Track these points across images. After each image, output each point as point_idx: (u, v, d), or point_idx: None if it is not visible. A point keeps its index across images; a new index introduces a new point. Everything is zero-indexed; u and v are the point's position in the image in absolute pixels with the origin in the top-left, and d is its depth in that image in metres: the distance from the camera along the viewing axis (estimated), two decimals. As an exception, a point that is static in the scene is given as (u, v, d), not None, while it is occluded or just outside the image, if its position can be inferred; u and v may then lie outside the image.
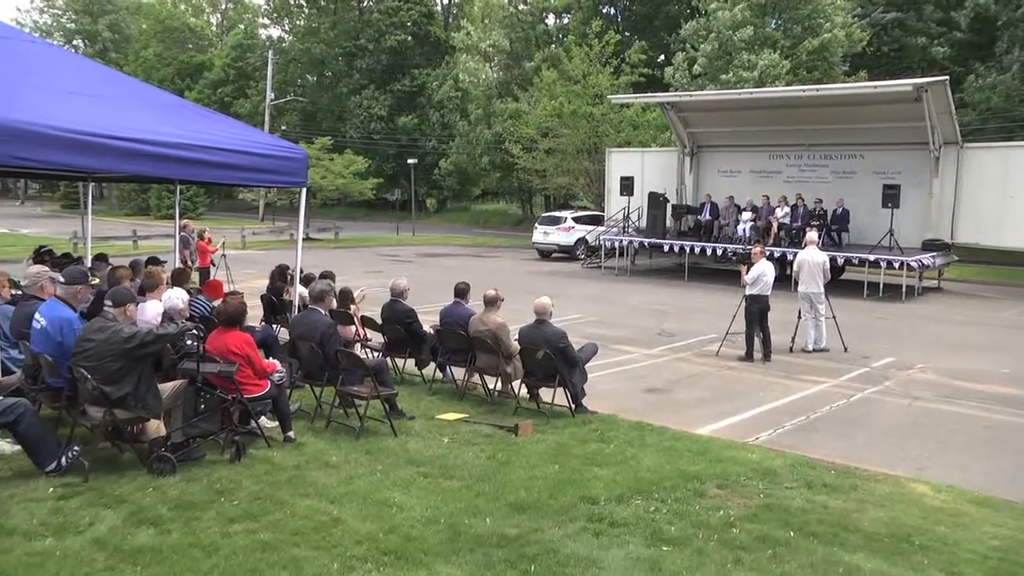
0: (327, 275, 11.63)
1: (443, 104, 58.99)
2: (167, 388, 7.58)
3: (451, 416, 9.47)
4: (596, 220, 33.19)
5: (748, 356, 13.65)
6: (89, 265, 12.39)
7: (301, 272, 11.43)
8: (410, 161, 47.45)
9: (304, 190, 10.43)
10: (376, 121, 60.49)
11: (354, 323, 11.38)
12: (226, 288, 11.38)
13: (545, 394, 10.03)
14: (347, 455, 7.93)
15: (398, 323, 10.95)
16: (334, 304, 10.87)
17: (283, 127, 63.23)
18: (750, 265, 13.82)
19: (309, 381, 9.38)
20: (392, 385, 9.35)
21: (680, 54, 37.73)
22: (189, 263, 17.81)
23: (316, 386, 9.31)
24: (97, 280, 9.50)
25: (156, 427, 7.44)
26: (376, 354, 11.33)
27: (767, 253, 15.73)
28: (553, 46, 48.81)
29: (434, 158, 58.90)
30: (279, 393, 8.23)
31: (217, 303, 9.25)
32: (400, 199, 51.67)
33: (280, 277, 13.13)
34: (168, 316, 8.42)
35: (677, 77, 36.45)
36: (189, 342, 7.73)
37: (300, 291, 10.90)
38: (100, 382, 7.04)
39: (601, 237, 29.09)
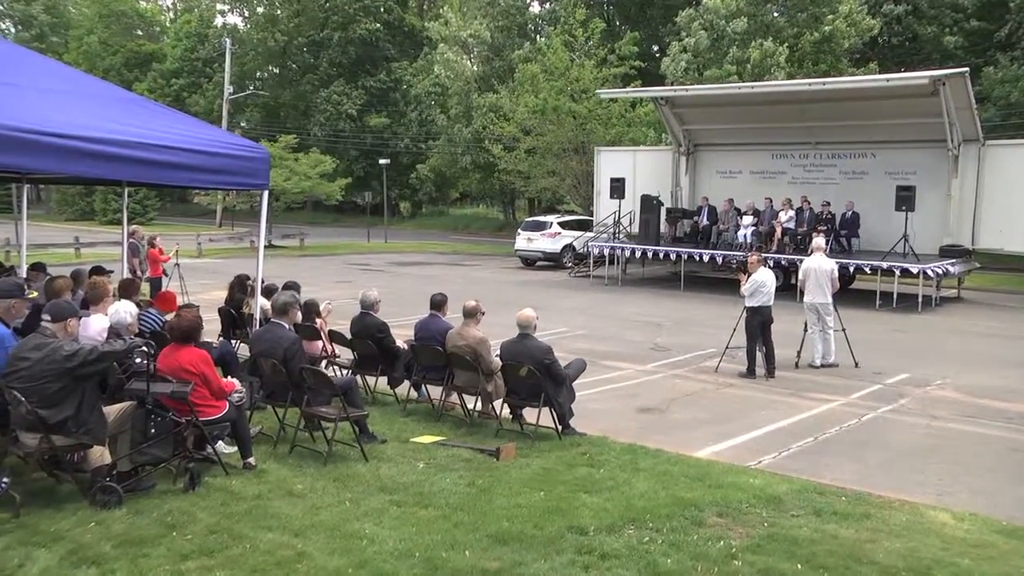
0: (291, 286, 11.57)
1: (421, 100, 59.06)
2: (113, 411, 7.49)
3: (427, 439, 9.43)
4: (584, 225, 33.24)
5: (750, 372, 13.68)
6: (24, 276, 12.26)
7: (263, 283, 11.37)
8: (382, 161, 47.41)
9: (266, 193, 10.37)
10: (345, 119, 60.47)
11: (321, 338, 11.32)
12: (180, 301, 11.31)
13: (529, 414, 10.00)
14: (313, 483, 7.87)
15: (369, 338, 10.91)
16: (299, 318, 10.79)
17: (243, 124, 63.08)
18: (748, 274, 13.88)
19: (271, 402, 9.32)
20: (362, 406, 9.31)
21: (676, 44, 37.90)
22: (138, 273, 17.69)
23: (279, 407, 9.24)
24: (35, 293, 9.39)
25: (100, 454, 7.33)
26: (345, 372, 11.31)
27: (769, 261, 15.81)
28: (538, 37, 48.98)
29: (409, 158, 58.90)
30: (238, 415, 8.16)
31: (170, 317, 9.18)
32: (371, 203, 51.61)
33: (240, 288, 13.07)
34: (115, 332, 8.34)
35: (673, 69, 36.59)
36: (138, 360, 7.64)
37: (262, 304, 10.85)
38: (36, 405, 6.93)
39: (589, 244, 29.13)
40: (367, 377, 11.32)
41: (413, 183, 59.75)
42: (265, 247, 10.99)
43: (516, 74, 41.54)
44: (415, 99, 60.20)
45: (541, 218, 35.26)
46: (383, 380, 11.28)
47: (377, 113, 60.72)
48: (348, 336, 11.34)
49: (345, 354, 11.75)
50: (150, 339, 8.58)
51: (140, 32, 79.42)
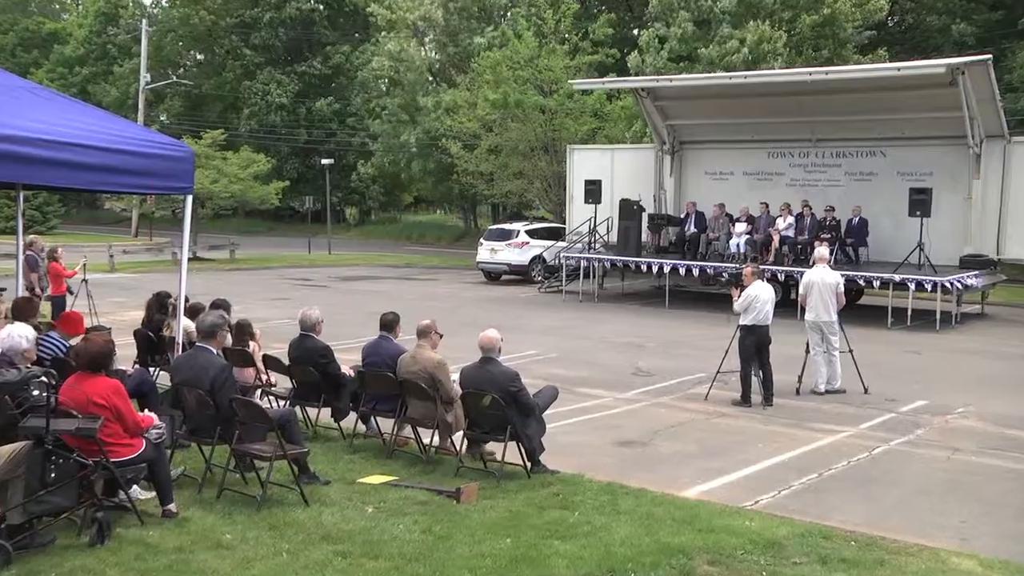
0: (220, 305, 11.51)
1: (368, 88, 59.06)
2: (3, 453, 7.33)
3: (377, 479, 9.37)
4: (555, 234, 33.30)
5: (744, 400, 13.72)
6: None
7: (187, 301, 11.26)
8: (325, 162, 47.34)
9: (189, 197, 10.28)
10: (277, 111, 60.21)
11: (254, 365, 11.25)
12: (88, 322, 11.15)
13: (494, 450, 9.98)
14: (245, 532, 7.77)
15: (310, 364, 10.85)
16: (229, 341, 10.71)
17: (162, 118, 62.74)
18: (741, 288, 13.95)
19: (196, 439, 9.21)
20: (302, 442, 9.22)
21: (647, 31, 38.02)
22: (38, 290, 17.45)
23: (205, 445, 9.14)
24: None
25: (-13, 505, 7.19)
26: (282, 403, 11.22)
27: (766, 274, 15.91)
28: (501, 20, 49.15)
29: (356, 157, 58.78)
30: (157, 455, 8.05)
31: (76, 341, 9.04)
32: (313, 209, 51.43)
33: (159, 308, 12.94)
34: (7, 359, 8.20)
35: (648, 61, 36.71)
36: (36, 392, 7.52)
37: (185, 325, 10.75)
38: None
39: (561, 254, 29.19)
40: (308, 409, 11.24)
41: (356, 186, 59.55)
42: (189, 260, 10.90)
43: (475, 64, 41.64)
44: (360, 87, 60.14)
45: (506, 226, 35.32)
46: (326, 412, 11.20)
47: (315, 101, 60.37)
48: (286, 362, 11.25)
49: (282, 382, 11.67)
50: (51, 368, 8.46)
51: (34, 7, 78.25)
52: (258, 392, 11.12)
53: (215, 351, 9.12)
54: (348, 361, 11.61)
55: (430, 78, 53.19)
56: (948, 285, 22.00)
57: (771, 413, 13.34)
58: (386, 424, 10.80)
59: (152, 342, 12.73)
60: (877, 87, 24.68)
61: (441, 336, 10.44)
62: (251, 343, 11.38)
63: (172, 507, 8.12)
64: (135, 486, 8.19)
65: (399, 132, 51.48)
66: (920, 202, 22.84)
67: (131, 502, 7.93)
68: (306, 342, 10.95)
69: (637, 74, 36.10)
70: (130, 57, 64.89)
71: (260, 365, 11.35)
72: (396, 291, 29.44)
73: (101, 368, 7.86)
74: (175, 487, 8.40)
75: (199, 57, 70.10)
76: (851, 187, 26.62)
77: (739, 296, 13.90)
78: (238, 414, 8.72)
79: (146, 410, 8.73)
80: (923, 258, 22.86)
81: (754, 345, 13.71)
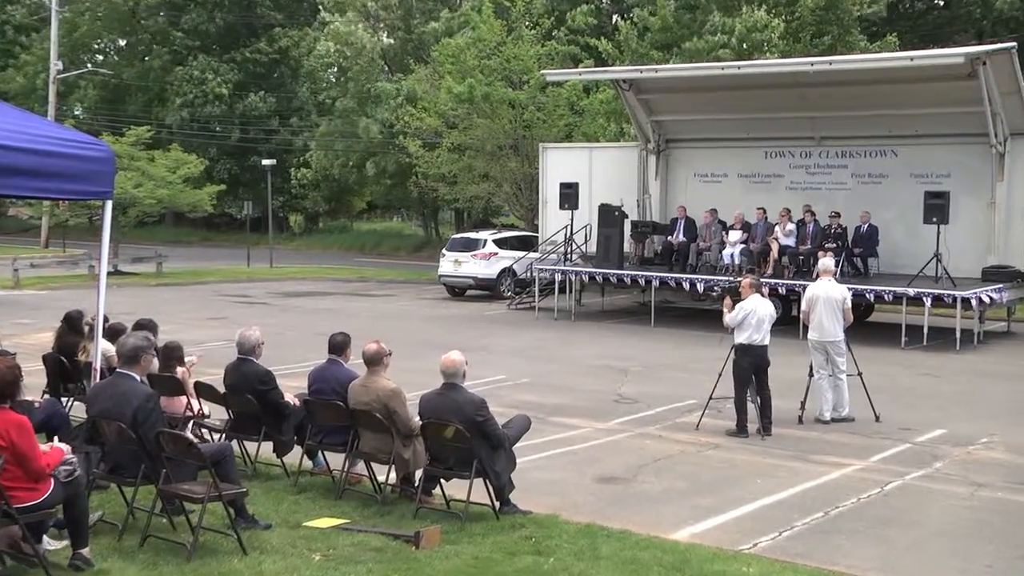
0: (145, 325, 11.41)
1: (314, 79, 58.93)
2: None
3: (325, 523, 9.33)
4: (527, 243, 33.27)
5: (740, 429, 13.74)
6: None
7: (106, 321, 11.17)
8: (265, 162, 47.10)
9: (109, 203, 10.20)
10: (213, 103, 59.92)
11: (184, 393, 11.17)
12: (-10, 345, 11.03)
13: (458, 488, 9.94)
14: (172, 585, 7.70)
15: (249, 391, 10.77)
16: (155, 366, 10.62)
17: (76, 112, 62.17)
18: (736, 301, 13.99)
19: (116, 478, 9.11)
20: (239, 480, 9.15)
21: (625, 24, 37.99)
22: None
23: (127, 486, 9.04)
24: None
25: None
26: (217, 437, 11.15)
27: (764, 288, 15.96)
28: (462, 2, 49.21)
29: (299, 157, 58.57)
30: (71, 492, 7.95)
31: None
32: (252, 215, 51.19)
33: (73, 329, 12.82)
34: None
35: (628, 49, 36.70)
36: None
37: (104, 349, 10.67)
38: None
39: (534, 267, 29.19)
40: (246, 443, 11.18)
41: (297, 190, 59.19)
42: (109, 274, 10.83)
43: (434, 52, 41.63)
44: (307, 77, 59.96)
45: (472, 235, 35.27)
46: (267, 446, 11.13)
47: (255, 92, 60.13)
48: (221, 389, 11.18)
49: (217, 413, 11.59)
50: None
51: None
52: (189, 424, 11.04)
53: (139, 378, 9.04)
54: (292, 388, 11.54)
55: (384, 67, 53.16)
56: (969, 300, 22.07)
57: (770, 444, 13.36)
58: (336, 460, 10.72)
59: (64, 368, 12.61)
60: (888, 79, 24.77)
61: (390, 354, 10.39)
62: (180, 368, 11.29)
63: (86, 551, 8.00)
64: (44, 536, 8.09)
65: (354, 126, 51.33)
66: (937, 207, 22.91)
67: (38, 556, 7.78)
68: (244, 367, 10.87)
69: (613, 64, 36.10)
70: (28, 36, 63.66)
71: (191, 394, 11.27)
72: (347, 309, 29.31)
73: (5, 399, 7.76)
74: (92, 534, 8.30)
75: (121, 42, 69.53)
76: (859, 190, 26.72)
77: (730, 308, 13.93)
78: (165, 449, 8.63)
79: (55, 439, 8.60)
80: (940, 270, 22.90)
81: (751, 368, 13.73)
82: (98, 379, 10.14)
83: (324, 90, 58.60)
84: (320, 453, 11.00)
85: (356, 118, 51.72)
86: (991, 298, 22.78)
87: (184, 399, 11.16)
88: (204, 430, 11.45)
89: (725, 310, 14.17)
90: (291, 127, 60.53)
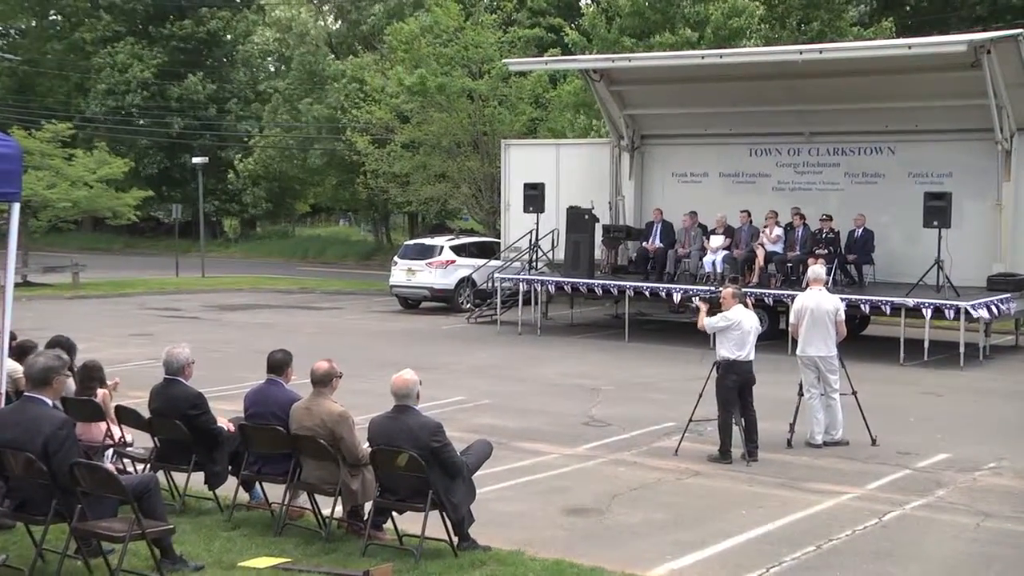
0: (59, 343, 11.25)
1: (250, 66, 58.68)
2: None
3: (263, 563, 9.25)
4: (487, 250, 33.32)
5: (724, 455, 13.74)
6: None
7: (12, 339, 11.04)
8: (196, 160, 46.81)
9: (16, 206, 10.08)
10: (137, 90, 59.43)
11: (104, 418, 11.03)
12: None
13: (411, 521, 9.87)
14: (90, 634, 7.61)
15: (177, 416, 10.67)
16: (71, 389, 10.49)
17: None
18: (717, 312, 13.99)
19: (23, 516, 8.97)
20: (165, 516, 9.04)
21: (591, 10, 38.00)
22: None
23: (36, 524, 8.91)
24: None
25: None
26: (141, 467, 11.01)
27: (749, 298, 15.96)
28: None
29: (238, 152, 58.23)
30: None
31: None
32: (181, 220, 50.93)
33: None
34: None
35: (596, 35, 36.61)
36: None
37: (10, 369, 10.53)
38: None
39: (495, 276, 29.16)
40: (174, 474, 11.05)
41: (234, 189, 58.84)
42: (16, 285, 10.71)
43: (387, 36, 41.56)
44: (243, 64, 59.67)
45: (427, 240, 35.24)
46: (198, 477, 11.01)
47: (193, 75, 59.66)
48: (146, 414, 11.06)
49: (141, 440, 11.47)
50: None
51: None
52: (108, 453, 10.92)
53: (51, 402, 8.93)
54: (227, 412, 11.45)
55: (331, 55, 53.06)
56: (973, 311, 22.15)
57: (756, 471, 13.36)
58: (275, 491, 10.64)
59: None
60: (883, 69, 24.93)
61: (341, 375, 10.32)
62: (100, 391, 11.16)
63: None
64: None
65: (298, 114, 51.13)
66: (937, 210, 22.99)
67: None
68: (172, 389, 10.76)
69: (581, 53, 36.02)
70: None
71: (112, 419, 11.15)
72: (289, 323, 29.22)
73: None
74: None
75: (30, 24, 68.92)
76: (852, 191, 26.87)
77: (707, 310, 13.93)
78: (81, 483, 8.52)
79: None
80: (942, 278, 23.00)
81: (736, 386, 13.73)
82: (2, 404, 10.00)
83: (264, 80, 58.34)
84: (257, 484, 10.91)
85: (298, 104, 51.51)
86: (998, 309, 22.91)
87: (103, 425, 11.04)
88: (126, 460, 11.31)
89: (702, 311, 14.17)
90: (228, 115, 59.95)
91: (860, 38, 34.74)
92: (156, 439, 11.08)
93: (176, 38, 60.60)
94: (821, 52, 25.13)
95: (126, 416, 11.34)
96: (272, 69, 59.38)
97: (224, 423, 10.86)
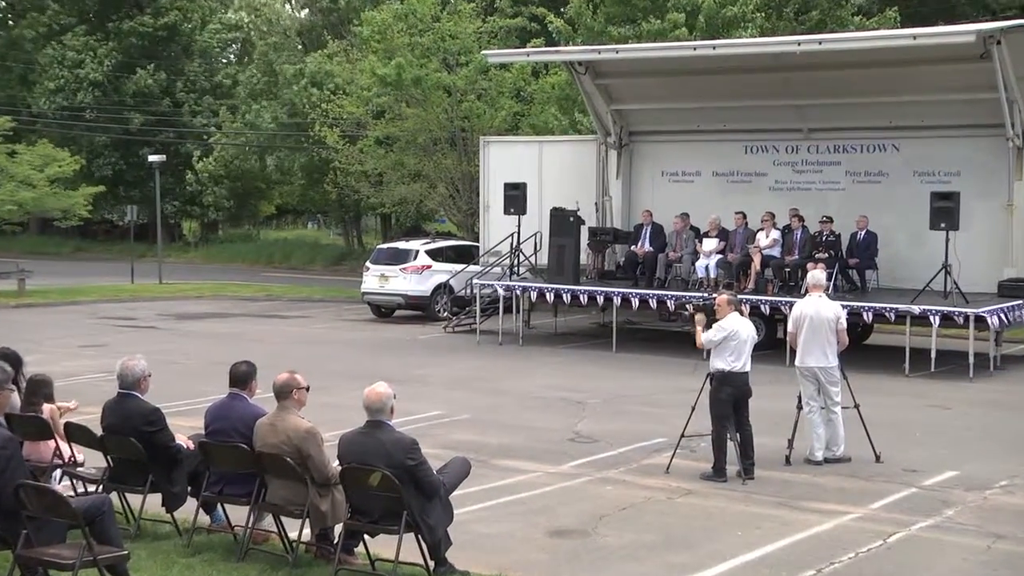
0: (4, 355, 11.20)
1: (209, 59, 58.54)
2: None
3: (224, 591, 9.20)
4: (465, 254, 33.30)
5: (718, 472, 13.73)
6: None
7: (-49, 351, 11.01)
8: (153, 158, 46.67)
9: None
10: (88, 89, 59.26)
11: (53, 436, 10.99)
12: None
13: (385, 545, 9.84)
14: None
15: (132, 433, 10.61)
16: (16, 404, 10.43)
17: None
18: (712, 321, 14.00)
19: (-32, 540, 8.94)
20: (120, 541, 9.00)
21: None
22: None
23: (-20, 549, 8.89)
24: None
25: None
26: (93, 488, 10.97)
27: (745, 305, 15.99)
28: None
29: (197, 149, 58.10)
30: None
31: None
32: (137, 222, 50.76)
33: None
34: None
35: (579, 31, 36.58)
36: None
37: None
38: None
39: (474, 282, 29.14)
40: (128, 495, 11.01)
41: (193, 190, 58.67)
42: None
43: (356, 26, 41.52)
44: (201, 56, 59.51)
45: (401, 244, 35.21)
46: (155, 499, 10.95)
47: (143, 68, 59.49)
48: (98, 431, 10.99)
49: (93, 460, 11.42)
50: None
51: None
52: (57, 474, 10.87)
53: (-4, 418, 8.90)
54: (186, 429, 11.41)
55: (299, 45, 53.08)
56: (984, 319, 22.18)
57: (753, 489, 13.37)
58: (238, 513, 10.60)
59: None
60: (887, 61, 25.01)
61: (307, 388, 10.29)
62: (48, 407, 11.10)
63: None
64: None
65: (259, 112, 51.09)
66: (945, 211, 23.03)
67: None
68: (127, 404, 10.71)
69: (565, 44, 36.00)
70: None
71: (61, 436, 11.10)
72: (253, 333, 29.16)
73: None
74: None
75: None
76: (854, 191, 26.90)
77: (704, 329, 13.92)
78: (27, 506, 8.49)
79: None
80: (950, 284, 22.99)
81: (731, 399, 13.75)
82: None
83: (222, 68, 58.24)
84: (219, 506, 10.87)
85: (251, 106, 51.48)
86: (1009, 316, 22.94)
87: (52, 444, 10.99)
88: (77, 481, 11.27)
89: (698, 328, 14.18)
90: (183, 108, 59.79)
91: (862, 28, 34.80)
92: (109, 458, 11.01)
93: (135, 33, 60.36)
94: (820, 43, 25.13)
95: (76, 434, 11.27)
96: (232, 58, 59.24)
97: (183, 440, 10.81)
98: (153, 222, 50.19)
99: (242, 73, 55.60)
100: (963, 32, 23.37)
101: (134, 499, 11.05)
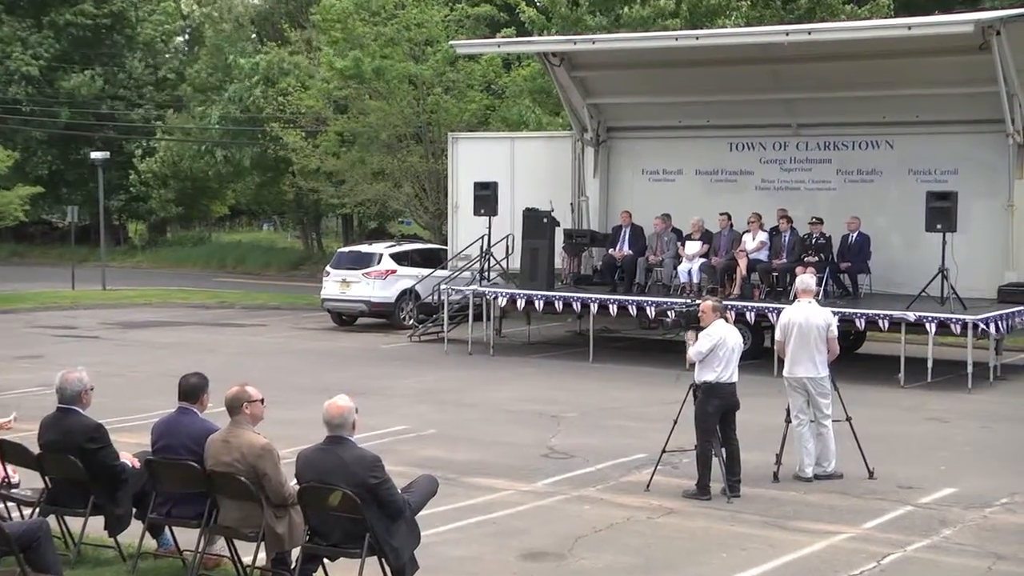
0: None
1: (152, 51, 58.37)
2: None
3: (172, 620, 9.17)
4: (432, 258, 33.31)
5: (702, 490, 13.75)
6: None
7: None
8: (96, 155, 46.47)
9: None
10: (21, 83, 58.98)
11: (-13, 454, 10.93)
12: None
13: (346, 569, 9.80)
14: None
15: (72, 451, 10.54)
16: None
17: None
18: (699, 330, 14.02)
19: None
20: (58, 568, 8.96)
21: None
22: None
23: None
24: None
25: None
26: (29, 512, 10.91)
27: (730, 312, 16.01)
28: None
29: (139, 148, 57.94)
30: None
31: None
32: (79, 223, 50.57)
33: None
34: None
35: (553, 20, 36.57)
36: None
37: None
38: None
39: (442, 287, 29.11)
40: (68, 518, 10.95)
41: (138, 191, 58.46)
42: None
43: (314, 15, 41.46)
44: (145, 49, 59.34)
45: (364, 247, 35.21)
46: (97, 521, 10.87)
47: (81, 72, 59.35)
48: (35, 449, 10.89)
49: (29, 481, 11.36)
50: None
51: None
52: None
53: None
54: (131, 446, 11.35)
55: (252, 34, 52.98)
56: (983, 326, 22.27)
57: (739, 508, 13.39)
58: (188, 536, 10.53)
59: None
60: (880, 52, 25.03)
61: (262, 401, 10.23)
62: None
63: None
64: None
65: (207, 111, 50.99)
66: (942, 211, 23.05)
67: None
68: (67, 420, 10.64)
69: (539, 34, 35.98)
70: None
71: (-4, 454, 11.03)
72: (205, 342, 29.09)
73: None
74: None
75: None
76: (846, 191, 26.99)
77: (694, 340, 13.94)
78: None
79: None
80: (947, 289, 23.01)
81: (717, 412, 13.77)
82: None
83: (167, 62, 58.08)
84: (167, 529, 10.80)
85: (200, 101, 51.39)
86: (1010, 323, 23.06)
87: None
88: (11, 503, 11.19)
89: (689, 342, 14.19)
90: (127, 109, 59.62)
91: (854, 17, 34.90)
92: (47, 478, 10.91)
93: (74, 25, 60.07)
94: (810, 33, 25.10)
95: (11, 452, 11.18)
96: (176, 51, 59.05)
97: (128, 458, 10.73)
98: (96, 224, 49.97)
99: (189, 66, 55.41)
100: (961, 22, 23.44)
101: (74, 522, 10.94)
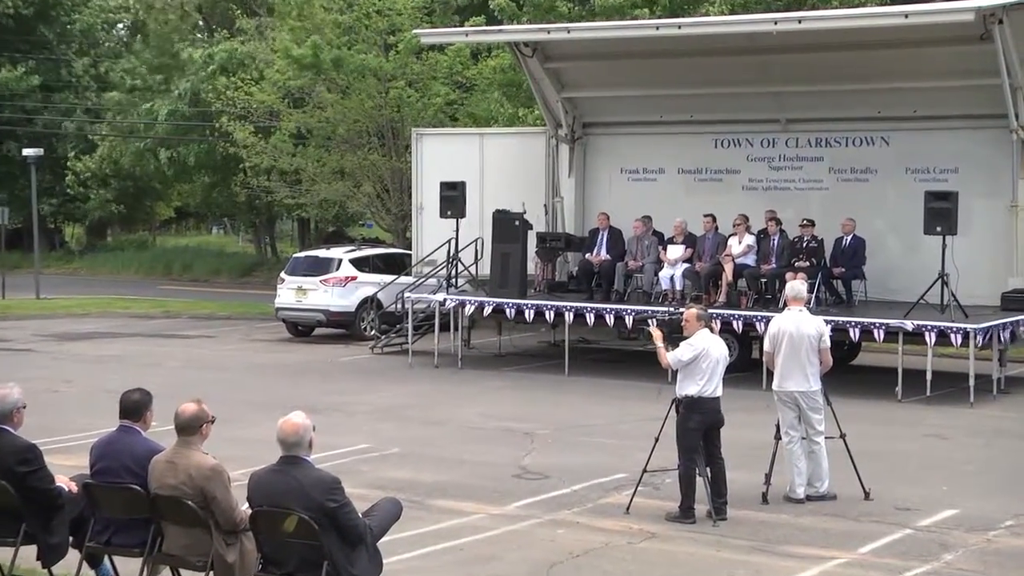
0: None
1: (89, 40, 58.24)
2: None
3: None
4: (395, 263, 33.33)
5: (686, 512, 13.76)
6: None
7: None
8: (28, 152, 46.30)
9: None
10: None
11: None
12: None
13: None
14: None
15: (2, 475, 10.48)
16: None
17: None
18: (679, 339, 14.02)
19: None
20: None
21: None
22: None
23: None
24: None
25: None
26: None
27: (715, 321, 16.03)
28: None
29: (79, 145, 57.76)
30: None
31: None
32: (10, 226, 50.37)
33: None
34: None
35: (525, 9, 36.55)
36: None
37: None
38: None
39: (406, 295, 29.09)
40: None
41: (75, 191, 58.30)
42: None
43: (273, 2, 41.48)
44: (82, 38, 59.22)
45: (321, 252, 35.21)
46: (29, 551, 10.80)
47: (13, 66, 59.25)
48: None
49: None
50: None
51: None
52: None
53: None
54: (67, 469, 11.31)
55: (200, 22, 52.91)
56: (985, 335, 22.34)
57: (725, 532, 13.41)
58: (130, 566, 10.48)
59: None
60: (875, 43, 25.07)
61: (213, 420, 10.18)
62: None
63: None
64: None
65: (151, 102, 50.89)
66: (941, 213, 23.07)
67: None
68: (-2, 439, 10.60)
69: (510, 22, 35.92)
70: None
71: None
72: (148, 355, 29.00)
73: None
74: None
75: None
76: (839, 191, 27.06)
77: (663, 339, 13.95)
78: None
79: None
80: (947, 296, 23.05)
81: (701, 428, 13.77)
82: None
83: (105, 56, 57.93)
84: (106, 558, 10.76)
85: (140, 101, 51.35)
86: (1014, 333, 23.12)
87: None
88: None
89: (658, 343, 14.17)
90: (59, 106, 59.48)
91: (847, 5, 34.97)
92: (-23, 504, 10.91)
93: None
94: (800, 22, 25.06)
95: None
96: (116, 43, 58.95)
97: (64, 482, 10.65)
98: (28, 227, 49.77)
99: (128, 61, 55.29)
100: (961, 10, 23.39)
101: (3, 553, 10.87)
